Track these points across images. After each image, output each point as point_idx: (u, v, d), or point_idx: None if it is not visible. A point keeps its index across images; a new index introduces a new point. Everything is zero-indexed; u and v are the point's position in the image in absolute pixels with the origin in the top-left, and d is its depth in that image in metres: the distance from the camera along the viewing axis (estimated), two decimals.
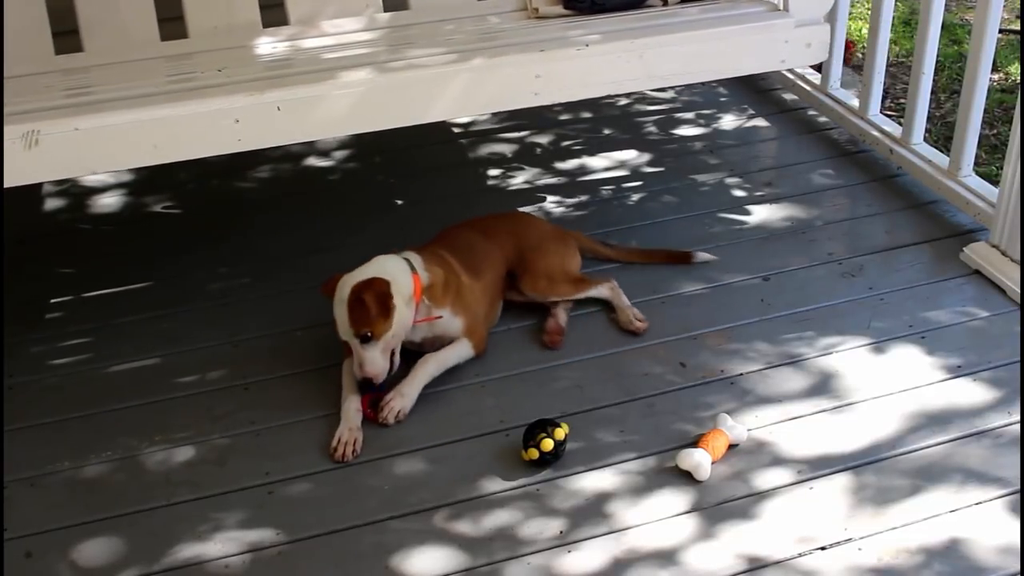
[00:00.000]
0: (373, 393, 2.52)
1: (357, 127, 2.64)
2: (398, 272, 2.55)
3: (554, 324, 2.80)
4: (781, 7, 2.84)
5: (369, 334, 2.47)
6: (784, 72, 4.07)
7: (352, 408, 2.50)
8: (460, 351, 2.66)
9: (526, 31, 2.88)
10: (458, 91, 2.59)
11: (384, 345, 2.50)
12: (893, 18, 3.56)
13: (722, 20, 2.82)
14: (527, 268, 2.86)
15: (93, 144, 2.37)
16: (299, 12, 2.94)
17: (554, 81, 2.65)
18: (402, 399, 2.52)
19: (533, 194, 3.56)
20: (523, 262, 2.87)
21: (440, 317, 2.63)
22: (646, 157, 3.76)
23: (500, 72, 2.62)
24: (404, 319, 2.53)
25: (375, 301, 2.45)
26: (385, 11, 3.01)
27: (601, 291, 2.89)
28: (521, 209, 3.39)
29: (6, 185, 2.31)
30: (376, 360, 2.49)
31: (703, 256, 3.07)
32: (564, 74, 2.66)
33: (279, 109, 2.46)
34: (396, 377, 2.56)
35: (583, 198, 3.51)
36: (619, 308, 2.85)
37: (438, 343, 2.65)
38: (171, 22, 2.86)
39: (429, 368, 2.59)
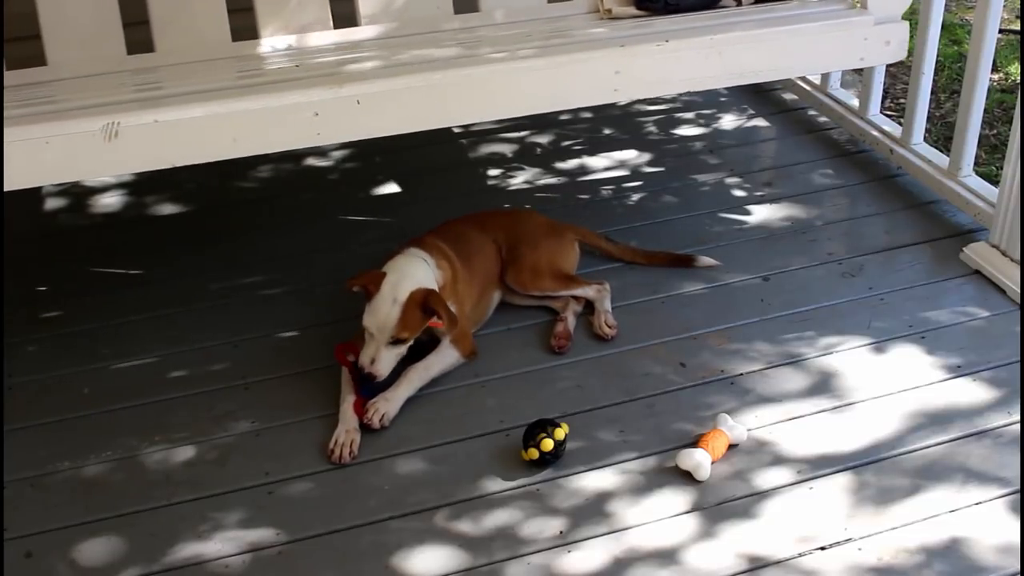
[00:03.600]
0: (368, 396, 2.53)
1: (437, 122, 2.59)
2: (428, 278, 2.57)
3: (563, 329, 2.78)
4: (860, 5, 2.80)
5: (405, 338, 2.50)
6: None
7: (351, 409, 2.50)
8: (446, 359, 2.65)
9: (601, 30, 2.86)
10: (538, 86, 2.56)
11: (402, 350, 2.54)
12: None
13: (800, 18, 2.78)
14: (513, 260, 2.86)
15: (173, 137, 2.34)
16: (367, 10, 2.90)
17: (633, 77, 2.60)
18: (387, 403, 2.52)
19: (533, 194, 3.56)
20: (512, 255, 2.87)
21: (443, 323, 2.64)
22: (646, 157, 3.76)
23: (581, 67, 2.57)
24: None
25: (442, 309, 2.48)
26: (455, 13, 2.97)
27: (587, 291, 2.87)
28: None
29: (89, 178, 2.26)
30: (390, 362, 2.51)
31: (706, 260, 3.05)
32: (643, 70, 2.61)
33: (358, 103, 2.43)
34: (387, 380, 2.55)
35: (583, 198, 3.51)
36: (597, 310, 2.84)
37: (432, 332, 2.66)
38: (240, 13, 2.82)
39: (414, 380, 2.58)
